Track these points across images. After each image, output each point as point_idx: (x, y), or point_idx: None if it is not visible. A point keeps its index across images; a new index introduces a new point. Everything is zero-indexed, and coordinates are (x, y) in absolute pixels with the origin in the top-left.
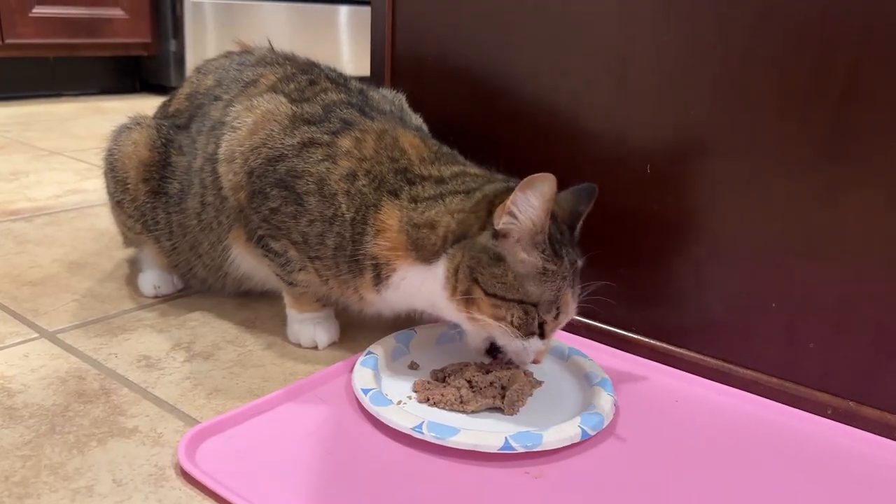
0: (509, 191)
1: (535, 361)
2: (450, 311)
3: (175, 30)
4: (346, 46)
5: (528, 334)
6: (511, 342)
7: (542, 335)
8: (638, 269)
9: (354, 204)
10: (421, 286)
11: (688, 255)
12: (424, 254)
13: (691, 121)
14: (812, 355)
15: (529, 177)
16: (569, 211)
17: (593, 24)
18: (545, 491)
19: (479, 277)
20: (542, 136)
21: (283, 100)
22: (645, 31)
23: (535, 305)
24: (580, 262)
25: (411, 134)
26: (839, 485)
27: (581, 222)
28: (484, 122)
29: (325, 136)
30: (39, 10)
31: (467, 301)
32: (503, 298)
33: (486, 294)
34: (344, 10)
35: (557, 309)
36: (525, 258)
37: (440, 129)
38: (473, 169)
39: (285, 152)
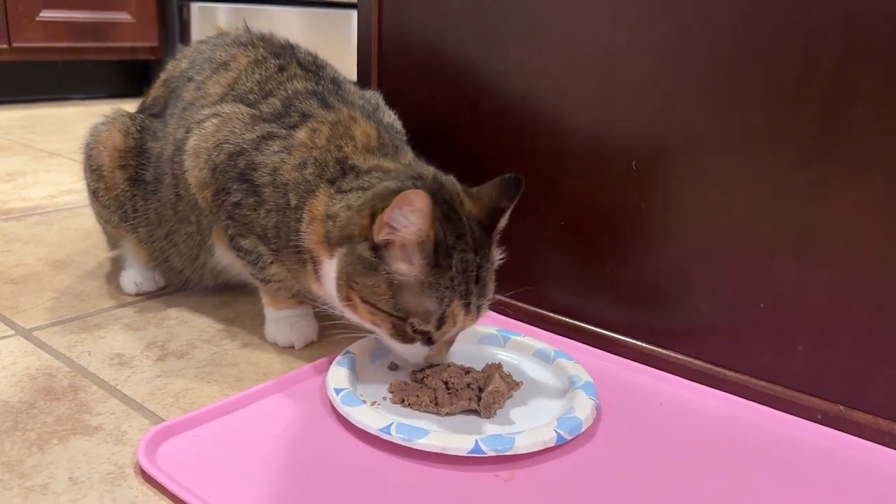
0: (397, 192)
1: (431, 361)
2: (344, 311)
3: (182, 34)
4: None
5: (407, 341)
6: (393, 345)
7: (430, 342)
8: (623, 268)
9: (299, 192)
10: (330, 284)
11: (674, 254)
12: (329, 248)
13: (677, 117)
14: (801, 358)
15: (403, 193)
16: (489, 208)
17: (579, 19)
18: (515, 495)
19: (355, 285)
20: (527, 132)
21: (242, 106)
22: (630, 26)
23: (405, 318)
24: (489, 264)
25: (368, 124)
26: (828, 491)
27: (504, 218)
28: (470, 119)
29: (283, 130)
30: (47, 14)
31: (350, 303)
32: (376, 307)
33: (363, 301)
34: (356, 15)
35: (440, 320)
36: (403, 269)
37: (426, 127)
38: (390, 163)
39: (245, 147)
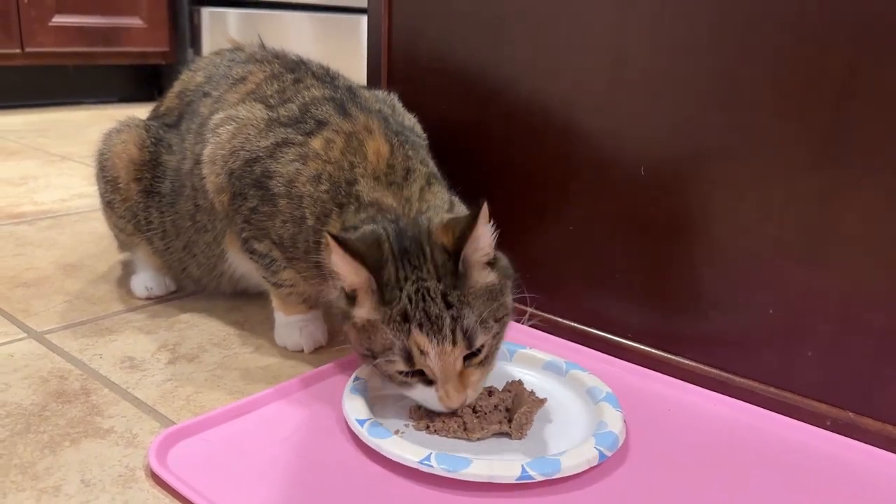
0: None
1: (449, 408)
2: None
3: (193, 39)
4: None
5: (399, 384)
6: (400, 391)
7: (429, 382)
8: (632, 273)
9: (315, 211)
10: None
11: (682, 259)
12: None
13: (686, 121)
14: (810, 364)
15: (332, 244)
16: (457, 237)
17: (586, 23)
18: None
19: (343, 325)
20: (536, 137)
21: (261, 106)
22: (639, 30)
23: (374, 358)
24: (464, 289)
25: (383, 139)
26: (837, 498)
27: (471, 244)
28: (478, 123)
29: (299, 137)
30: (59, 19)
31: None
32: (356, 350)
33: (350, 341)
34: (366, 20)
35: (406, 354)
36: (359, 313)
37: (436, 130)
38: (390, 199)
39: (260, 154)
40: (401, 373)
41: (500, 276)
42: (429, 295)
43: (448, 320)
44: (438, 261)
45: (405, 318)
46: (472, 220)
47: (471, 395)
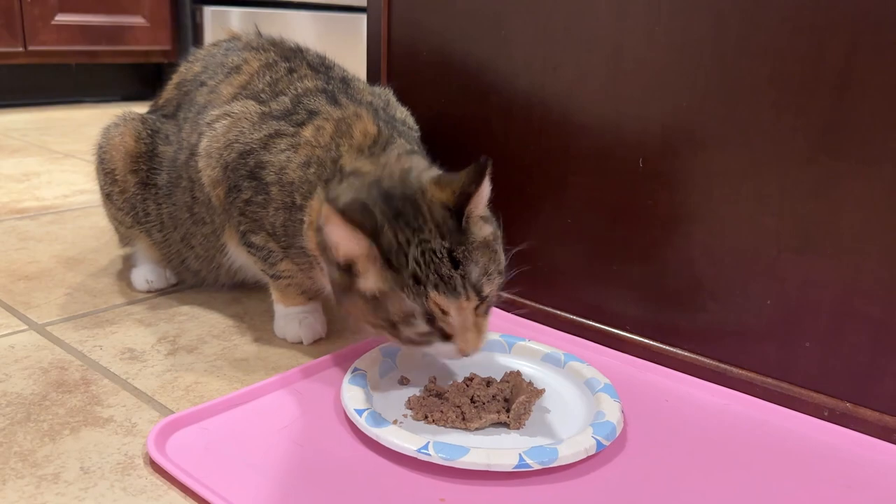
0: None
1: (464, 354)
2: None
3: (195, 37)
4: None
5: (419, 344)
6: (418, 350)
7: (446, 336)
8: (630, 265)
9: (303, 192)
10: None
11: (680, 251)
12: (324, 256)
13: (684, 113)
14: (808, 355)
15: (324, 211)
16: (458, 193)
17: (585, 16)
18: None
19: (342, 303)
20: (535, 130)
21: (253, 102)
22: (637, 22)
23: (394, 326)
24: (469, 244)
25: (371, 121)
26: (834, 489)
27: (475, 202)
28: (478, 117)
29: (290, 128)
30: (62, 18)
31: (349, 315)
32: (367, 320)
33: (355, 315)
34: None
35: (428, 316)
36: (365, 284)
37: (435, 124)
38: (369, 165)
39: (254, 146)
40: (421, 334)
41: (493, 227)
42: (436, 255)
43: (458, 278)
44: (439, 218)
45: (418, 281)
46: (477, 178)
47: (483, 340)
